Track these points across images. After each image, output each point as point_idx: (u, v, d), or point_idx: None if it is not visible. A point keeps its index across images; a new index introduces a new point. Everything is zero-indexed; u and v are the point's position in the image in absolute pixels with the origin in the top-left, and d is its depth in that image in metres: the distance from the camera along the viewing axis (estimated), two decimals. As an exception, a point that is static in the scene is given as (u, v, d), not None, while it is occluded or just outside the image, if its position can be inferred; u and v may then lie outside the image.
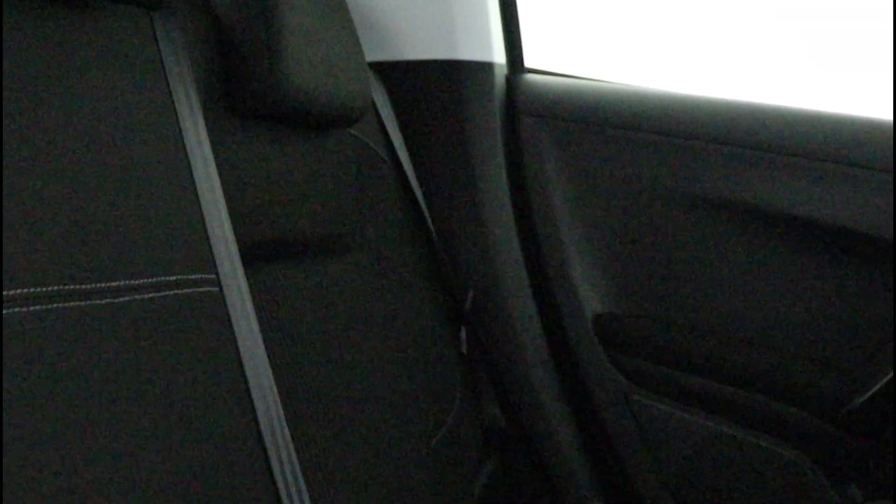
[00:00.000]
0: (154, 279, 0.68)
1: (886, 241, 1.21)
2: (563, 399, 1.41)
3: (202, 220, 0.75)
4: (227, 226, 0.78)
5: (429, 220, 1.33)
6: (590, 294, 1.40)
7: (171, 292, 0.69)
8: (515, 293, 1.40)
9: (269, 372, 0.78)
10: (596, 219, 1.39)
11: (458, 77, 1.38)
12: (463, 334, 1.34)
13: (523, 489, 1.39)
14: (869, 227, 1.21)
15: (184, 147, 0.75)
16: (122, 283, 0.65)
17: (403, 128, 1.36)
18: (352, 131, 1.16)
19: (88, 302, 0.62)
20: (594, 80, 1.44)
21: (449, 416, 1.26)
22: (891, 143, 1.22)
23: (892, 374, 1.21)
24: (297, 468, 0.78)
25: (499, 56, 1.41)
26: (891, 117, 1.27)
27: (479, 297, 1.35)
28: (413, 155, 1.36)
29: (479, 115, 1.39)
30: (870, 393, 1.23)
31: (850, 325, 1.26)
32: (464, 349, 1.34)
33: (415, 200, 1.32)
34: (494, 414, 1.38)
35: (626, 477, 1.38)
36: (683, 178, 1.34)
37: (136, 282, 0.66)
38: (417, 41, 1.38)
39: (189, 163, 0.75)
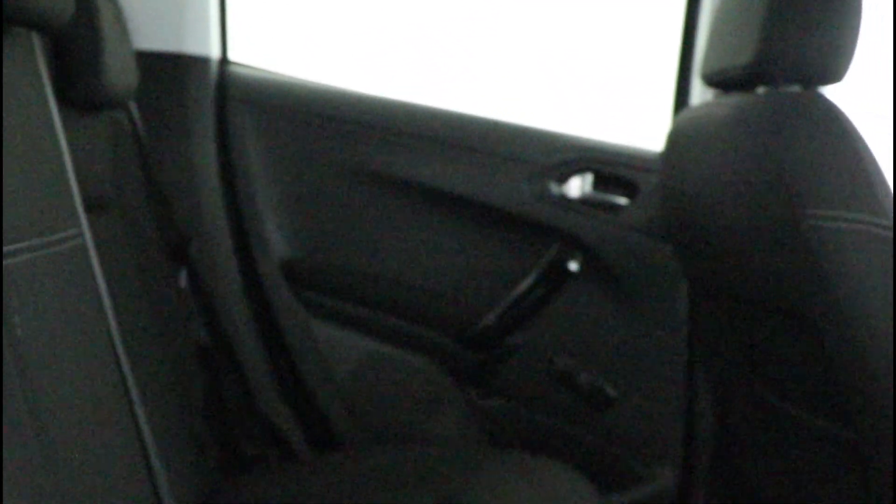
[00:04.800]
0: (41, 239, 0.93)
1: (510, 213, 1.71)
2: (257, 326, 1.79)
3: (69, 187, 1.04)
4: (78, 190, 1.07)
5: (161, 185, 1.63)
6: (280, 243, 1.79)
7: (54, 249, 0.95)
8: (220, 242, 1.75)
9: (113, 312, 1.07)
10: (287, 185, 1.78)
11: (180, 67, 1.70)
12: (183, 274, 1.66)
13: (227, 398, 1.75)
14: (498, 202, 1.72)
15: (55, 133, 1.03)
16: (10, 247, 0.84)
17: (140, 107, 1.64)
18: (111, 112, 1.45)
19: None
20: (291, 76, 1.81)
21: (173, 341, 1.58)
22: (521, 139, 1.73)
23: (500, 309, 1.73)
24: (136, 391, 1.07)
25: (215, 49, 1.74)
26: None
27: (196, 245, 1.68)
28: (148, 131, 1.64)
29: (196, 100, 1.73)
30: (484, 322, 1.74)
31: (476, 273, 1.76)
32: (183, 285, 1.67)
33: (151, 168, 1.62)
34: (205, 338, 1.72)
35: (307, 388, 1.79)
36: (356, 156, 1.77)
37: (22, 244, 0.88)
38: (148, 32, 1.67)
39: (59, 144, 1.04)
